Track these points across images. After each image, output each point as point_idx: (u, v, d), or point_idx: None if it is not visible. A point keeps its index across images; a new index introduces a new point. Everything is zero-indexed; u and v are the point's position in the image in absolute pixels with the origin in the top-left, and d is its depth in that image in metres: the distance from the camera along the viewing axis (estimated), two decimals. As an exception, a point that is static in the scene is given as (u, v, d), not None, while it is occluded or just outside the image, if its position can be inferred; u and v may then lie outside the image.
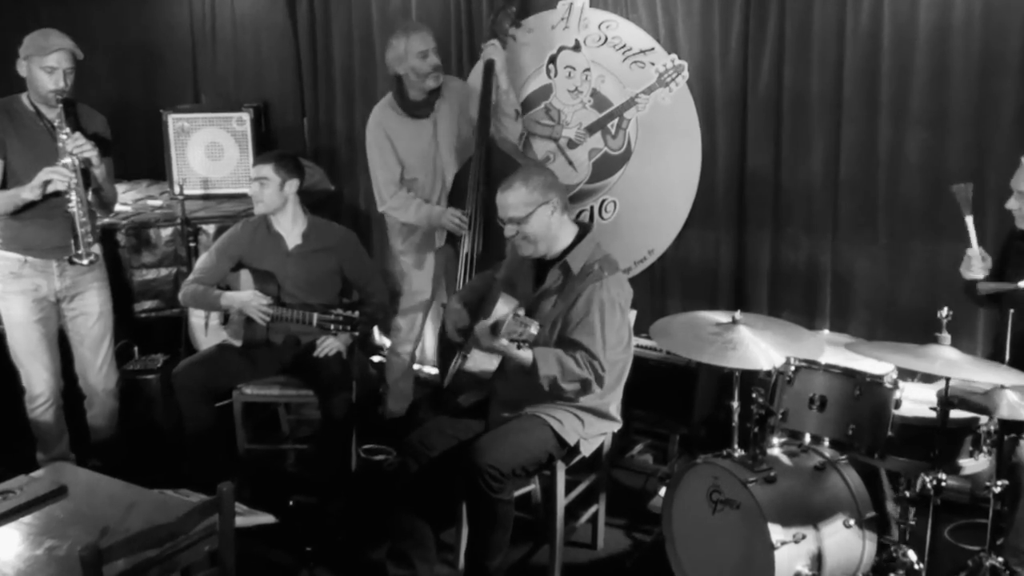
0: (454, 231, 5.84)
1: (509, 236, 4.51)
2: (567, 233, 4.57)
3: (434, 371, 6.67)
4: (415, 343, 6.44)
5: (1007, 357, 4.16)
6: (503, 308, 4.42)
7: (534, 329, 4.18)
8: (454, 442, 4.56)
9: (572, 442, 4.53)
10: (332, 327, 5.22)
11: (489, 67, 5.92)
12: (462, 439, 4.56)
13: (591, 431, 4.62)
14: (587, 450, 4.64)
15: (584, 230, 4.62)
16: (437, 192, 6.07)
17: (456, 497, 4.74)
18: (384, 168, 6.02)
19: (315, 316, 5.22)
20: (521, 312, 4.33)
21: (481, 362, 4.53)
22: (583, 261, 4.50)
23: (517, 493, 4.62)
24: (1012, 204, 4.38)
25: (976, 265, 4.40)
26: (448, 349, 4.96)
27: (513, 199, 4.47)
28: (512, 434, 4.44)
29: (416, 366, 6.61)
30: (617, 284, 4.49)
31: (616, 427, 4.78)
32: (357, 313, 5.25)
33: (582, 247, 4.55)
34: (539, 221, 4.46)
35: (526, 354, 4.29)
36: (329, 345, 5.43)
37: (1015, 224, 4.43)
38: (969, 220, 4.43)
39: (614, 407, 4.71)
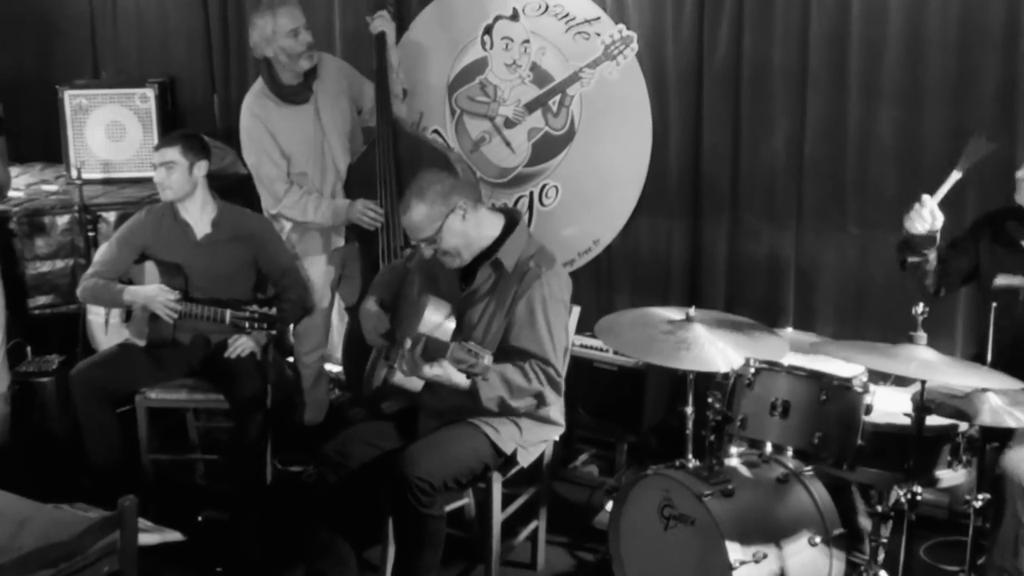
0: (368, 225, 5.80)
1: (428, 256, 4.47)
2: (490, 226, 4.50)
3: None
4: (323, 347, 6.44)
5: (989, 358, 4.11)
6: (434, 317, 4.35)
7: (488, 360, 4.15)
8: (376, 451, 4.51)
9: (509, 451, 4.49)
10: (247, 325, 5.18)
11: (381, 41, 5.88)
12: (385, 448, 4.51)
13: (530, 438, 4.58)
14: (525, 460, 4.61)
15: (512, 218, 4.56)
16: (331, 185, 6.04)
17: (381, 512, 4.64)
18: (270, 164, 5.95)
19: (228, 313, 5.21)
20: (453, 322, 4.33)
21: (405, 382, 4.45)
22: (516, 256, 4.46)
23: (449, 508, 4.58)
24: None
25: (926, 218, 4.35)
26: (360, 353, 4.91)
27: (416, 219, 4.39)
28: (444, 443, 4.40)
29: (327, 366, 6.59)
30: (556, 277, 4.46)
31: (559, 432, 4.76)
32: (274, 310, 5.21)
33: (514, 239, 4.48)
34: (452, 232, 4.39)
35: (462, 380, 4.27)
36: (242, 344, 5.37)
37: (1014, 198, 4.42)
38: (956, 176, 4.37)
39: (556, 410, 4.65)
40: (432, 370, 4.21)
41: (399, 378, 4.41)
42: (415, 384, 4.42)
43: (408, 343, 4.24)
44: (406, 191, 4.50)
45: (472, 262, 4.50)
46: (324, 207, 5.91)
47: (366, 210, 5.75)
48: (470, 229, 4.42)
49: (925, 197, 4.36)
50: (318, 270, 6.13)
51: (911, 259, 4.49)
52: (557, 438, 4.82)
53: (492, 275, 4.47)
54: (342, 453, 4.50)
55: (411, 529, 4.37)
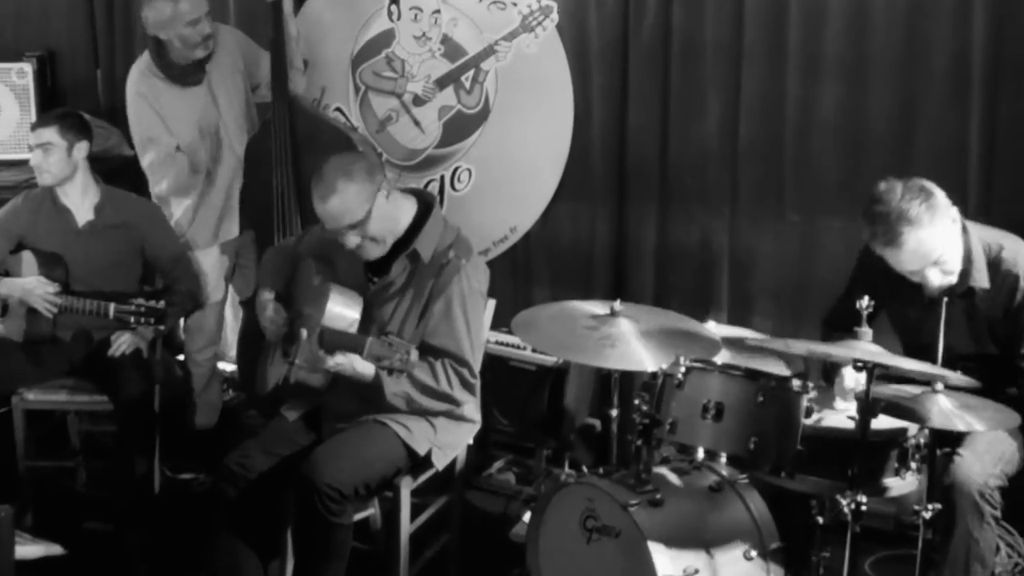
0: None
1: (353, 246, 4.35)
2: (404, 211, 4.48)
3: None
4: (215, 344, 6.44)
5: (940, 355, 4.12)
6: (337, 308, 4.33)
7: (413, 356, 4.12)
8: (276, 459, 4.47)
9: (423, 451, 4.49)
10: (132, 320, 5.12)
11: (277, 9, 5.82)
12: (286, 455, 4.48)
13: (446, 438, 4.60)
14: (441, 462, 4.59)
15: (424, 201, 4.56)
16: (230, 169, 6.05)
17: (280, 523, 4.64)
18: (158, 148, 5.91)
19: (112, 307, 5.14)
20: (357, 313, 4.32)
21: (308, 377, 4.48)
22: (433, 245, 4.45)
23: (356, 517, 4.56)
24: (938, 279, 4.27)
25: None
26: (257, 351, 4.85)
27: (345, 203, 4.27)
28: (353, 445, 4.39)
29: (221, 365, 6.60)
30: (475, 269, 4.48)
31: (475, 429, 4.78)
32: (162, 303, 5.16)
33: (431, 227, 4.47)
34: (380, 214, 4.33)
35: (368, 370, 4.26)
36: (126, 341, 5.31)
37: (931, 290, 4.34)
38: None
39: (471, 407, 4.67)
40: (334, 359, 4.19)
41: (301, 374, 4.40)
42: (316, 379, 4.41)
43: (304, 334, 4.21)
44: (324, 174, 4.34)
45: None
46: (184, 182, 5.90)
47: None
48: (391, 210, 4.38)
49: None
50: (210, 261, 6.08)
51: None
52: (471, 440, 4.83)
53: (407, 267, 4.45)
54: (243, 465, 4.44)
55: (317, 540, 4.33)
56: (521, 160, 6.12)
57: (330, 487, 4.17)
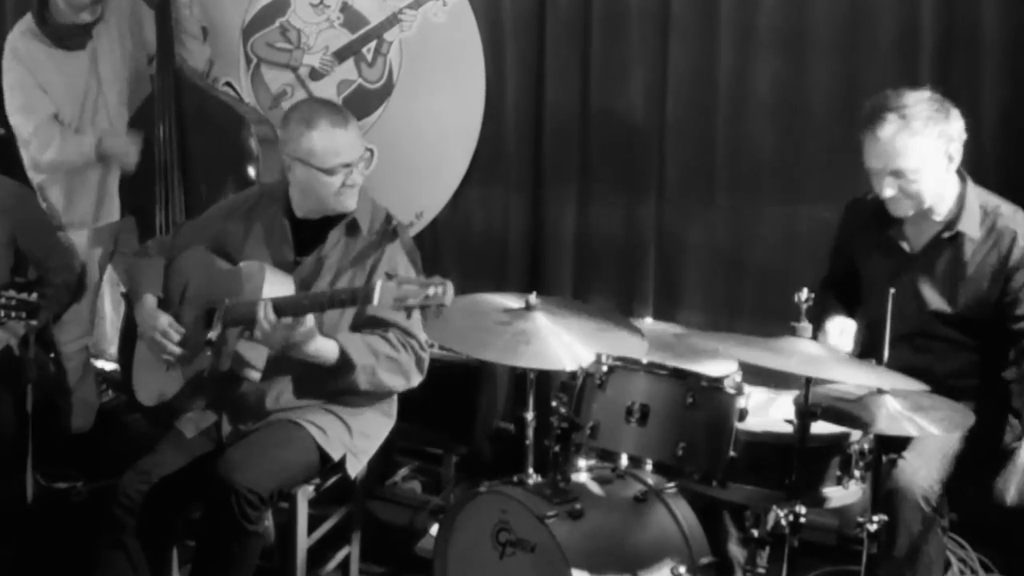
0: (126, 161, 5.74)
1: (354, 184, 4.48)
2: None
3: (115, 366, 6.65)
4: (88, 334, 6.38)
5: (886, 352, 4.06)
6: (281, 288, 4.34)
7: (450, 288, 3.97)
8: (177, 479, 4.41)
9: (337, 456, 4.49)
10: (2, 314, 4.97)
11: None
12: (183, 472, 4.44)
13: (361, 444, 4.61)
14: (354, 469, 4.61)
15: None
16: None
17: (166, 540, 4.57)
18: (35, 119, 5.83)
19: None
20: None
21: (249, 360, 4.39)
22: (368, 218, 4.56)
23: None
24: (889, 192, 4.29)
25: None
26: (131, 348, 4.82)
27: (356, 135, 4.49)
28: (270, 446, 4.37)
29: (99, 363, 6.63)
30: (411, 244, 4.62)
31: (390, 425, 4.79)
32: (35, 296, 5.01)
33: (362, 206, 4.58)
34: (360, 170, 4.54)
35: (329, 344, 4.29)
36: None
37: (892, 211, 4.38)
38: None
39: (391, 403, 4.75)
40: (303, 329, 4.18)
41: (237, 361, 4.35)
42: (255, 371, 4.39)
43: (262, 308, 4.18)
44: (327, 102, 4.61)
45: (311, 225, 4.57)
46: (70, 143, 5.80)
47: (121, 143, 5.72)
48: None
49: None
50: (95, 239, 6.06)
51: None
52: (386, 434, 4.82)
53: (342, 239, 4.51)
54: (140, 491, 4.36)
55: (227, 548, 4.29)
56: (428, 140, 6.13)
57: (250, 490, 4.13)
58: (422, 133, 6.13)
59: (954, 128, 4.19)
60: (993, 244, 4.30)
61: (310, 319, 4.16)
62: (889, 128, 4.13)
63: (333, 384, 4.39)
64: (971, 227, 4.29)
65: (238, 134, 5.68)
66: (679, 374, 4.20)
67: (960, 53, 4.96)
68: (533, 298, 4.25)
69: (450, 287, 3.91)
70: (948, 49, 4.98)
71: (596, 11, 5.63)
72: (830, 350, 4.03)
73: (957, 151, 4.23)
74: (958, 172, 4.32)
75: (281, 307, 4.15)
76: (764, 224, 5.39)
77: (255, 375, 4.39)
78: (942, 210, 4.31)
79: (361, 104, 6.21)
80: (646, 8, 5.52)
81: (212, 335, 4.38)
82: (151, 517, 4.34)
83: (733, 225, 5.49)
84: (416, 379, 4.51)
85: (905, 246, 4.41)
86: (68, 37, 5.77)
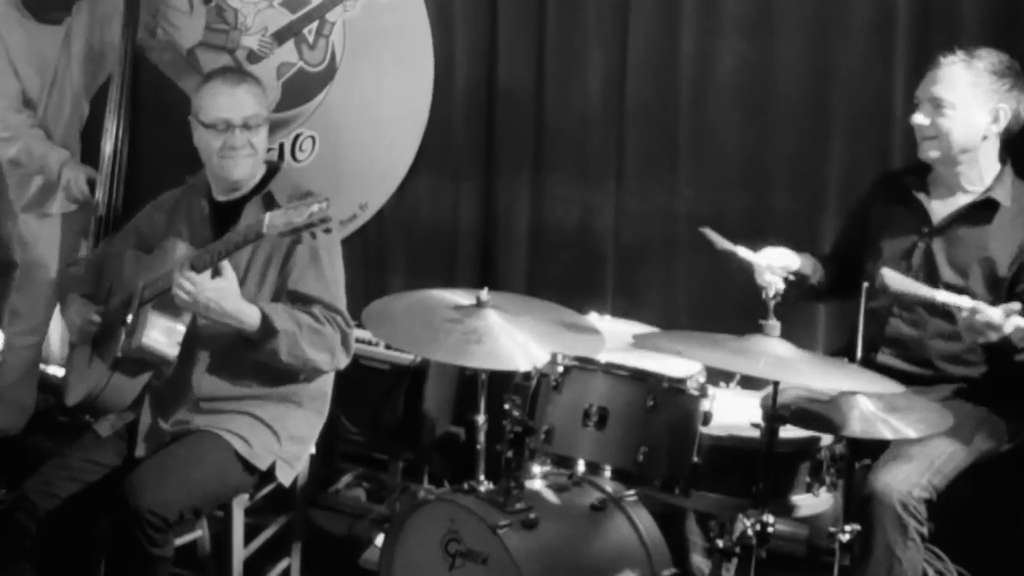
0: (73, 194, 5.82)
1: (237, 146, 4.52)
2: (262, 169, 4.69)
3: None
4: (40, 334, 6.34)
5: (859, 351, 4.09)
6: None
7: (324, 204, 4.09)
8: (83, 486, 4.38)
9: (264, 466, 4.47)
10: None
11: None
12: (95, 479, 4.40)
13: (292, 450, 4.59)
14: (287, 477, 4.59)
15: (272, 167, 4.73)
16: (63, 126, 6.03)
17: (91, 556, 4.51)
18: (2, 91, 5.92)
19: None
20: None
21: (160, 337, 4.36)
22: (288, 193, 4.57)
23: (179, 542, 4.49)
24: (920, 118, 4.39)
25: (769, 280, 4.41)
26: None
27: (253, 96, 4.58)
28: (179, 463, 4.33)
29: (49, 368, 6.65)
30: (336, 226, 4.59)
31: (321, 423, 4.80)
32: None
33: (282, 177, 4.67)
34: (264, 137, 4.61)
35: (252, 308, 4.27)
36: None
37: (919, 152, 4.45)
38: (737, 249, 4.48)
39: (321, 399, 4.74)
40: (225, 284, 4.20)
41: (148, 340, 4.31)
42: (168, 349, 4.36)
43: (178, 268, 4.23)
44: (234, 68, 4.99)
45: (227, 206, 4.61)
46: (37, 147, 5.87)
47: (79, 175, 5.76)
48: (264, 144, 4.62)
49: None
50: (51, 228, 6.11)
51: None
52: (314, 449, 4.81)
53: (254, 212, 4.51)
54: (44, 493, 4.35)
55: (133, 572, 4.23)
56: (372, 126, 6.15)
57: (152, 512, 4.08)
58: (366, 119, 6.14)
59: (1013, 95, 4.29)
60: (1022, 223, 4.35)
61: (230, 270, 4.18)
62: (950, 59, 4.28)
63: (254, 355, 4.35)
64: (1003, 197, 4.35)
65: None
66: (639, 375, 4.20)
67: (938, 33, 4.94)
68: (484, 294, 4.25)
69: (328, 202, 4.03)
70: (925, 27, 4.99)
71: (551, -9, 5.65)
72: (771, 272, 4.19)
73: (1005, 114, 4.30)
74: (1001, 157, 4.40)
75: (195, 262, 4.19)
76: (729, 215, 5.37)
77: (171, 352, 4.36)
78: (973, 180, 4.38)
79: (302, 88, 6.25)
80: (605, -12, 5.55)
81: (128, 316, 4.38)
82: (58, 528, 4.32)
83: (695, 216, 5.42)
84: (343, 358, 4.49)
85: (930, 213, 4.44)
86: (48, 11, 5.80)
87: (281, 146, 6.29)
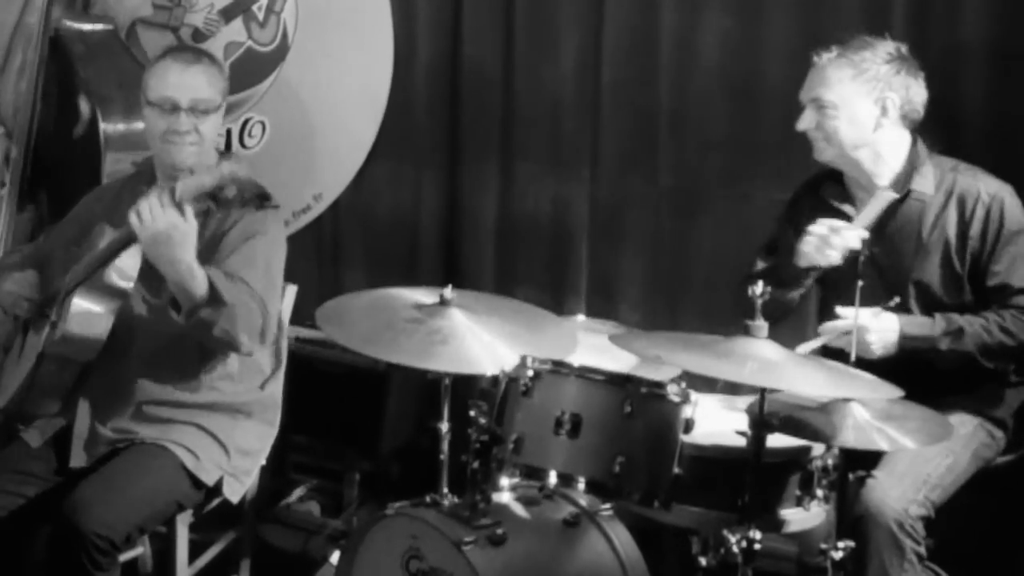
0: None
1: (180, 131, 4.52)
2: (214, 160, 4.64)
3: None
4: None
5: (853, 353, 4.09)
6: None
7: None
8: (18, 501, 4.38)
9: (212, 481, 4.48)
10: None
11: None
12: (29, 496, 4.40)
13: (242, 464, 4.62)
14: (235, 493, 4.61)
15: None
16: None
17: (24, 574, 4.51)
18: None
19: None
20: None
21: (86, 318, 4.29)
22: (235, 184, 4.52)
23: (122, 558, 4.47)
24: (804, 123, 4.51)
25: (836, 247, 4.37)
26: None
27: (205, 78, 4.58)
28: (125, 478, 4.32)
29: None
30: (277, 215, 4.64)
31: (272, 435, 4.81)
32: None
33: (230, 165, 4.50)
34: (216, 123, 4.63)
35: (201, 271, 4.21)
36: None
37: (815, 155, 4.55)
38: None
39: (272, 402, 4.77)
40: (188, 218, 4.10)
41: (74, 327, 4.26)
42: (94, 328, 4.29)
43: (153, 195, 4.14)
44: (187, 47, 5.11)
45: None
46: None
47: None
48: (215, 141, 4.65)
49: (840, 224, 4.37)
50: None
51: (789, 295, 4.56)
52: (264, 460, 4.80)
53: (207, 207, 4.49)
54: None
55: None
56: (328, 110, 6.20)
57: (98, 535, 4.07)
58: (321, 103, 6.19)
59: (899, 81, 4.35)
60: (954, 207, 4.38)
61: (192, 215, 4.10)
62: (826, 57, 4.37)
63: (184, 323, 4.27)
64: (925, 185, 4.40)
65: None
66: (616, 379, 4.14)
67: (936, 10, 5.01)
68: (448, 292, 4.26)
69: (245, 163, 4.11)
70: (924, 10, 5.02)
71: (521, -36, 5.68)
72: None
73: (895, 104, 4.36)
74: (912, 136, 4.45)
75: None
76: (714, 207, 5.42)
77: (97, 337, 4.30)
78: (885, 172, 4.43)
79: (251, 69, 6.30)
80: (578, -40, 5.57)
81: (54, 310, 4.38)
82: None
83: (678, 208, 5.51)
84: (257, 345, 4.44)
85: (852, 215, 4.47)
86: None
87: (229, 132, 6.28)
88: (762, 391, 3.80)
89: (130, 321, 4.42)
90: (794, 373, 3.79)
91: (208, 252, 4.41)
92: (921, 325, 4.27)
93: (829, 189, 4.58)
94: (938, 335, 4.22)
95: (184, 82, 4.51)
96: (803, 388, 3.85)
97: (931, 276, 4.34)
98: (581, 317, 5.35)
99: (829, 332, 4.24)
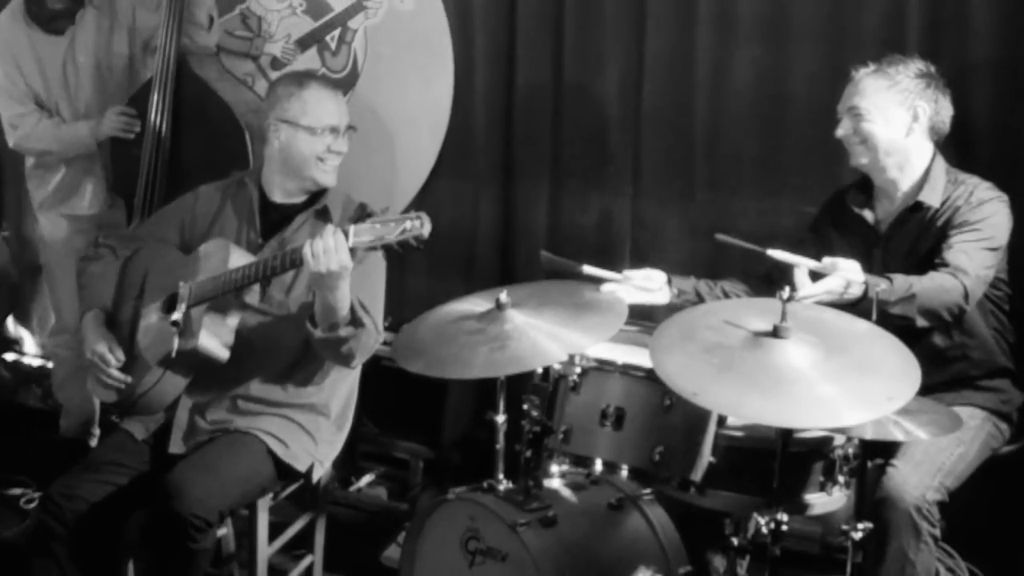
0: (122, 133, 5.67)
1: (340, 152, 4.64)
2: None
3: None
4: (69, 335, 6.23)
5: (874, 313, 4.03)
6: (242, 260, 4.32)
7: (427, 221, 3.98)
8: (111, 488, 4.34)
9: (303, 467, 4.50)
10: None
11: None
12: (119, 483, 4.36)
13: (328, 452, 4.63)
14: (320, 476, 4.66)
15: None
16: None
17: (120, 552, 4.51)
18: (11, 101, 5.84)
19: None
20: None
21: (216, 337, 4.31)
22: (340, 207, 4.62)
23: None
24: (842, 130, 4.47)
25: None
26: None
27: (342, 104, 4.66)
28: (219, 463, 4.31)
29: None
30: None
31: (348, 427, 4.80)
32: None
33: (333, 195, 4.67)
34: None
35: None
36: None
37: (851, 161, 4.50)
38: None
39: (350, 408, 4.77)
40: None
41: (205, 342, 4.25)
42: (219, 350, 4.30)
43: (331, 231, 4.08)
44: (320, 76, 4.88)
45: (276, 208, 4.61)
46: (65, 131, 5.81)
47: (119, 117, 5.65)
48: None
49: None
50: (59, 233, 6.04)
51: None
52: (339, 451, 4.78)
53: (309, 223, 4.57)
54: (69, 496, 4.31)
55: (176, 568, 4.22)
56: (394, 131, 6.13)
57: (194, 515, 4.08)
58: (388, 124, 6.11)
59: (929, 94, 4.36)
60: (950, 207, 4.36)
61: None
62: (863, 71, 4.37)
63: (317, 341, 4.28)
64: (932, 198, 4.37)
65: (236, 140, 5.64)
66: (656, 376, 4.01)
67: (948, 40, 4.95)
68: (504, 296, 4.23)
69: (427, 220, 3.91)
70: (935, 36, 4.96)
71: (569, -4, 5.63)
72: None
73: (925, 113, 4.34)
74: (934, 149, 4.42)
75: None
76: (744, 218, 5.36)
77: (224, 354, 4.31)
78: (907, 181, 4.41)
79: None
80: (621, -7, 5.52)
81: (177, 316, 4.30)
82: (85, 530, 4.29)
83: (711, 219, 5.42)
84: (358, 359, 4.41)
85: (873, 222, 4.47)
86: (51, 20, 5.74)
87: None
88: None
89: (243, 331, 4.40)
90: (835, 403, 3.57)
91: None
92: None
93: (853, 196, 4.56)
94: (893, 300, 4.11)
95: (341, 108, 4.56)
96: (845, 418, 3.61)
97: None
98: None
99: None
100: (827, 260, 4.04)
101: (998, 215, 4.34)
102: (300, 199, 4.60)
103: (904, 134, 4.35)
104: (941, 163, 4.43)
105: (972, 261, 4.22)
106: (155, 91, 5.63)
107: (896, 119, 4.33)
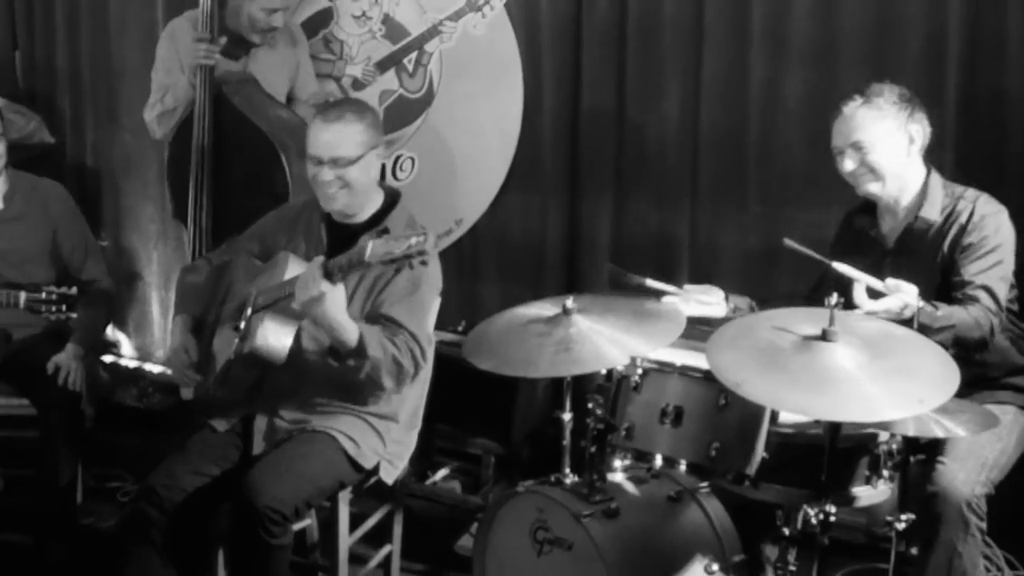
0: (204, 60, 5.60)
1: (325, 181, 4.44)
2: (377, 195, 4.61)
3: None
4: None
5: (916, 322, 4.04)
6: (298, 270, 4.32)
7: (431, 237, 3.94)
8: (205, 479, 4.39)
9: (370, 465, 4.48)
10: (44, 308, 5.04)
11: None
12: (216, 474, 4.41)
13: (396, 451, 4.62)
14: (390, 476, 4.60)
15: (392, 196, 4.64)
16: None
17: (210, 543, 4.57)
18: (162, 74, 5.86)
19: (22, 295, 5.04)
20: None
21: (272, 339, 4.29)
22: (403, 227, 4.50)
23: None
24: (849, 165, 4.43)
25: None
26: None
27: (345, 135, 4.42)
28: (293, 462, 4.32)
29: (148, 366, 6.68)
30: (437, 264, 4.57)
31: (418, 428, 4.80)
32: (74, 289, 5.09)
33: (399, 212, 4.59)
34: (365, 168, 4.46)
35: (352, 324, 4.19)
36: (66, 366, 5.19)
37: (858, 190, 4.49)
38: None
39: (420, 410, 4.76)
40: (337, 293, 4.10)
41: (260, 341, 4.27)
42: (280, 343, 4.29)
43: (317, 263, 4.12)
44: (337, 104, 4.64)
45: (343, 228, 4.55)
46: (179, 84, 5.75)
47: (196, 46, 5.60)
48: (373, 174, 4.51)
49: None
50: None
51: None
52: (413, 449, 4.79)
53: (370, 241, 4.37)
54: (169, 486, 4.35)
55: (255, 562, 4.26)
56: (467, 148, 6.14)
57: (271, 509, 4.11)
58: (462, 141, 6.13)
59: (915, 116, 4.36)
60: (954, 223, 4.35)
61: (341, 286, 4.11)
62: (852, 104, 4.33)
63: (335, 366, 4.28)
64: (931, 212, 4.37)
65: (271, 161, 5.61)
66: (712, 376, 4.03)
67: (985, 61, 4.95)
68: (570, 302, 4.24)
69: (431, 236, 3.90)
70: (973, 58, 4.97)
71: (631, 21, 5.61)
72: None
73: (918, 133, 4.34)
74: (925, 163, 4.42)
75: (329, 268, 4.09)
76: (795, 230, 5.12)
77: (281, 355, 4.30)
78: (907, 197, 4.41)
79: (402, 113, 6.24)
80: (679, 19, 5.50)
81: (242, 322, 4.40)
82: (182, 519, 4.34)
83: (764, 230, 5.45)
84: (405, 387, 4.46)
85: (880, 239, 4.48)
86: (231, 46, 5.76)
87: (384, 166, 6.02)
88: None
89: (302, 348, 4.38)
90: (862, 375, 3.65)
91: (377, 295, 4.43)
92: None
93: (860, 220, 4.58)
94: (935, 328, 4.08)
95: (323, 139, 4.40)
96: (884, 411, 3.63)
97: (926, 290, 4.18)
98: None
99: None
100: (890, 281, 4.03)
101: (1002, 228, 4.34)
102: (356, 219, 4.56)
103: (905, 155, 4.35)
104: (937, 178, 4.42)
105: (999, 293, 4.24)
106: (196, 120, 5.63)
107: (896, 145, 4.33)
